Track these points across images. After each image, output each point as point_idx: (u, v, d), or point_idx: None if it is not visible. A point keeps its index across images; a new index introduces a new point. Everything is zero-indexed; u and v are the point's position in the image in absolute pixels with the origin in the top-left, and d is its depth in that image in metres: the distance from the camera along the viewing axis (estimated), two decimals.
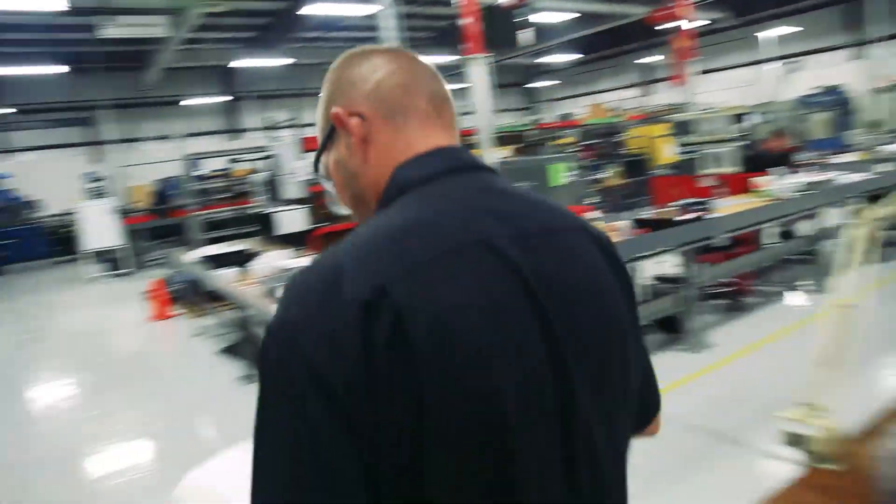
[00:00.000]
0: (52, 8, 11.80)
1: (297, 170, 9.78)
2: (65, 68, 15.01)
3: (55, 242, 17.15)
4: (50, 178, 21.45)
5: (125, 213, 14.54)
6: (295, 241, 6.92)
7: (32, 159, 22.15)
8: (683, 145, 12.06)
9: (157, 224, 14.58)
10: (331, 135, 0.93)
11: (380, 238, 0.76)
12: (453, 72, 11.77)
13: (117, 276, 12.98)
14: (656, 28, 15.03)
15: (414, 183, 0.84)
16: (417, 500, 0.69)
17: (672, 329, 5.22)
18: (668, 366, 4.69)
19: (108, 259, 13.24)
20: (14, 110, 19.97)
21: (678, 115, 13.91)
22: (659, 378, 1.04)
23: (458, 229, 0.77)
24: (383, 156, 0.88)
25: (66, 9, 11.62)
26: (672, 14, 13.75)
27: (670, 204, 5.44)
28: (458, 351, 0.69)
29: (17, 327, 9.35)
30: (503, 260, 0.76)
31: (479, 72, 8.29)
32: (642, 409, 0.96)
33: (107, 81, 18.35)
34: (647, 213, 5.70)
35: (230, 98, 23.66)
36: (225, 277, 4.97)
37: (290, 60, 17.11)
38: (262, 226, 7.17)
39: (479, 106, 8.30)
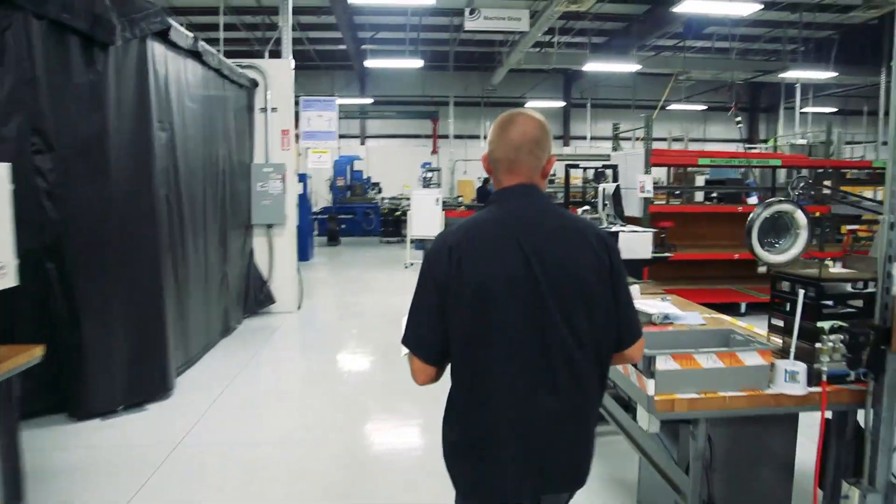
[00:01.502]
0: (421, 3, 12.29)
1: (644, 183, 8.47)
2: (419, 63, 15.70)
3: (386, 223, 18.34)
4: (392, 164, 23.53)
5: (448, 205, 14.70)
6: (632, 270, 5.59)
7: (380, 146, 24.51)
8: None
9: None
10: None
11: (469, 222, 1.77)
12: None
13: None
14: None
15: (492, 199, 1.81)
16: (456, 350, 1.73)
17: None
18: None
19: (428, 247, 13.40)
20: (372, 101, 22.05)
21: None
22: None
23: (496, 221, 1.74)
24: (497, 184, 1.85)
25: (433, 4, 12.00)
26: None
27: None
28: (475, 265, 1.67)
29: (340, 302, 9.63)
30: (513, 237, 1.69)
31: None
32: (619, 339, 1.79)
33: (455, 80, 19.15)
34: None
35: (564, 104, 23.21)
36: None
37: (637, 67, 15.70)
38: None
39: None
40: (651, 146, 8.52)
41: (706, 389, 2.36)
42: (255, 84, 7.89)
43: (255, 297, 7.96)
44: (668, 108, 23.81)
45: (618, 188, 5.76)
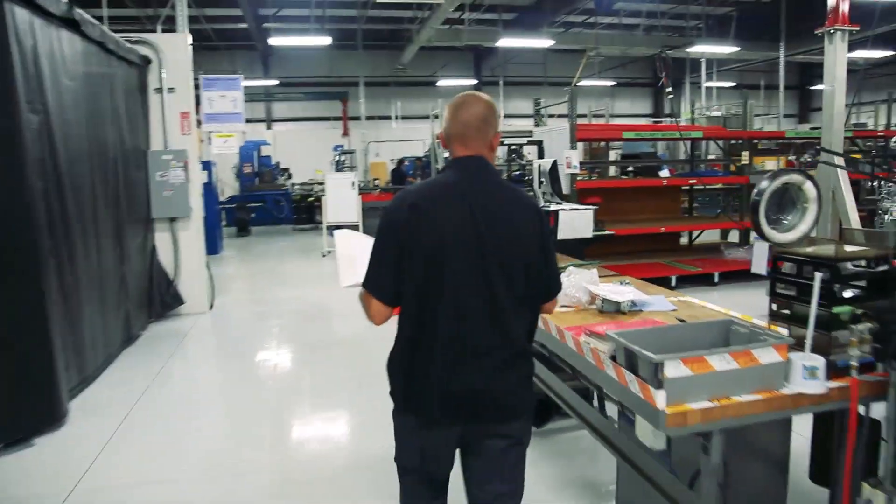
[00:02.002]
0: None
1: (570, 159, 8.22)
2: (327, 41, 14.89)
3: (299, 210, 17.47)
4: (301, 148, 22.52)
5: (363, 189, 14.09)
6: (573, 250, 5.28)
7: (288, 130, 23.43)
8: None
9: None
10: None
11: (425, 185, 2.06)
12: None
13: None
14: None
15: (447, 167, 2.06)
16: (409, 291, 1.95)
17: None
18: None
19: None
20: (277, 82, 20.94)
21: None
22: None
23: (451, 186, 1.96)
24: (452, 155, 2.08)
25: None
26: None
27: None
28: (432, 223, 1.89)
29: (254, 297, 8.93)
30: (465, 201, 1.91)
31: (840, 49, 5.96)
32: (545, 292, 2.09)
33: (364, 59, 18.41)
34: None
35: (476, 82, 22.89)
36: None
37: (549, 42, 15.53)
38: None
39: (830, 99, 6.00)
40: (576, 121, 8.27)
41: (718, 395, 2.01)
42: (147, 61, 7.03)
43: (160, 298, 7.16)
44: (578, 84, 24.00)
45: (555, 164, 5.43)
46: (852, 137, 11.08)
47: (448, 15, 15.39)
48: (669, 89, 6.13)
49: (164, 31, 7.31)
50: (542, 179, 5.44)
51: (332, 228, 13.04)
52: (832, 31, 5.94)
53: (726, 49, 16.39)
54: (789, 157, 10.79)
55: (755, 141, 10.64)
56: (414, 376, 1.98)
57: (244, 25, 18.34)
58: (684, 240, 10.39)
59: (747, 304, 3.41)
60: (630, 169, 11.80)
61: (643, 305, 3.09)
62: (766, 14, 19.07)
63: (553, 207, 5.33)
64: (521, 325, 2.00)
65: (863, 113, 18.49)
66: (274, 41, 15.17)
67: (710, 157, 11.84)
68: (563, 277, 3.09)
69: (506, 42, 14.90)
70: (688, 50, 17.03)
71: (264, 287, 9.51)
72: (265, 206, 18.10)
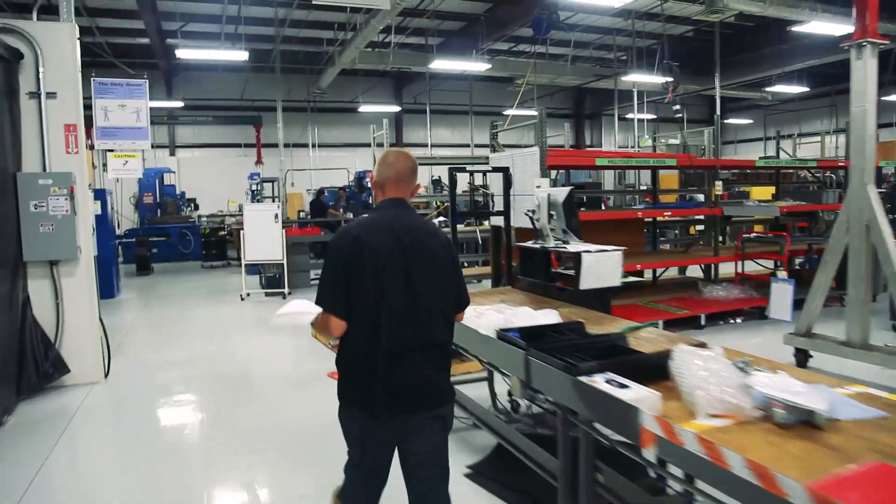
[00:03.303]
0: None
1: (541, 190, 7.17)
2: (243, 55, 13.35)
3: (208, 245, 15.61)
4: (209, 177, 20.58)
5: (284, 223, 12.58)
6: (596, 302, 4.17)
7: (194, 156, 21.43)
8: None
9: (320, 240, 12.42)
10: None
11: (363, 221, 2.51)
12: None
13: (271, 294, 10.85)
14: None
15: (379, 207, 2.56)
16: (352, 302, 2.36)
17: None
18: None
19: (268, 275, 11.16)
20: (181, 104, 19.05)
21: None
22: None
23: (384, 222, 2.44)
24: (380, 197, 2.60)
25: None
26: None
27: None
28: (373, 251, 2.35)
29: (169, 355, 7.24)
30: (395, 234, 2.41)
31: (870, 65, 5.21)
32: (457, 304, 2.57)
33: (278, 83, 16.92)
34: None
35: (399, 108, 21.81)
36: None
37: (486, 66, 14.68)
38: (544, 273, 4.47)
39: (860, 122, 5.23)
40: (546, 145, 7.26)
41: None
42: (17, 56, 5.41)
43: (36, 368, 5.45)
44: (504, 113, 23.45)
45: (571, 195, 4.29)
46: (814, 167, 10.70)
47: (371, 38, 14.30)
48: (677, 107, 5.25)
49: (42, 19, 5.70)
50: (553, 213, 4.30)
51: (251, 266, 11.55)
52: (862, 45, 5.18)
53: (658, 79, 16.12)
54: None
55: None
56: (361, 376, 2.42)
57: (145, 40, 16.51)
58: (647, 276, 9.57)
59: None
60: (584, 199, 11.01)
61: (835, 412, 1.96)
62: (687, 48, 19.29)
63: (572, 248, 4.18)
64: (440, 328, 2.48)
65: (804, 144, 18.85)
66: (183, 53, 13.43)
67: (662, 188, 11.20)
68: (689, 370, 2.06)
69: (439, 65, 13.93)
70: (624, 78, 16.66)
71: (174, 340, 7.79)
72: (169, 240, 16.15)
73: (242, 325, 8.84)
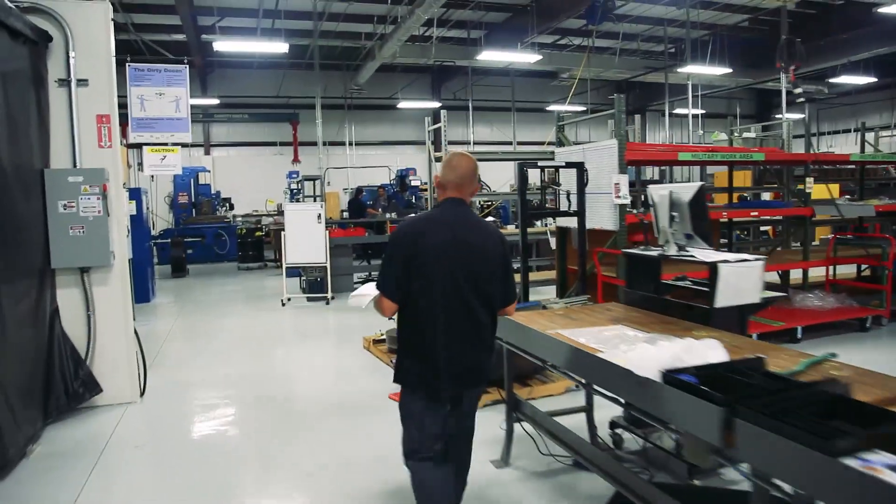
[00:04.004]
0: None
1: (619, 185, 6.42)
2: (283, 47, 12.75)
3: (244, 246, 15.08)
4: (244, 176, 20.11)
5: (329, 223, 11.95)
6: (732, 321, 3.41)
7: (229, 155, 20.98)
8: None
9: (364, 241, 11.76)
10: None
11: (423, 216, 3.03)
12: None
13: (313, 299, 10.23)
14: None
15: (440, 205, 2.90)
16: (410, 293, 2.75)
17: None
18: None
19: (309, 278, 10.55)
20: (217, 102, 18.59)
21: None
22: None
23: (442, 219, 2.81)
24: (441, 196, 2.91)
25: None
26: None
27: None
28: (428, 244, 2.72)
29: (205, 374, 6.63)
30: (451, 229, 2.76)
31: None
32: (502, 299, 2.85)
33: (316, 79, 16.34)
34: None
35: (439, 105, 21.08)
36: None
37: (537, 58, 13.87)
38: (654, 284, 3.70)
39: None
40: (625, 138, 6.48)
41: None
42: (46, 38, 4.82)
43: (65, 388, 4.86)
44: (547, 109, 22.63)
45: (701, 193, 3.51)
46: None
47: (414, 29, 13.63)
48: (799, 90, 4.42)
49: None
50: (675, 214, 3.54)
51: (292, 269, 10.96)
52: None
53: (718, 71, 15.17)
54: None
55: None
56: (416, 358, 2.81)
57: (180, 36, 16.05)
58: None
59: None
60: None
61: None
62: (742, 41, 18.25)
63: (701, 256, 3.41)
64: (483, 318, 2.80)
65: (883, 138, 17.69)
66: (221, 46, 12.87)
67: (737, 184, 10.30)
68: None
69: (487, 56, 13.17)
70: (680, 70, 15.74)
71: (214, 353, 7.17)
72: (204, 241, 15.69)
73: (286, 335, 8.22)
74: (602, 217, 6.74)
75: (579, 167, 6.40)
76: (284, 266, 10.20)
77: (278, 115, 19.73)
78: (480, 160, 10.02)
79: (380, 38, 15.68)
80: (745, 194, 11.58)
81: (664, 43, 18.23)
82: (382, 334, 6.80)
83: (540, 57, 13.86)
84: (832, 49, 16.79)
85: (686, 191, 3.50)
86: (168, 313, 9.74)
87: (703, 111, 22.75)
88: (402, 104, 19.92)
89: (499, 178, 18.33)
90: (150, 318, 9.03)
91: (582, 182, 6.43)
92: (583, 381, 3.32)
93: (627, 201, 6.51)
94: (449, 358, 2.71)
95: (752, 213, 7.16)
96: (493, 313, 2.83)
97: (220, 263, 15.67)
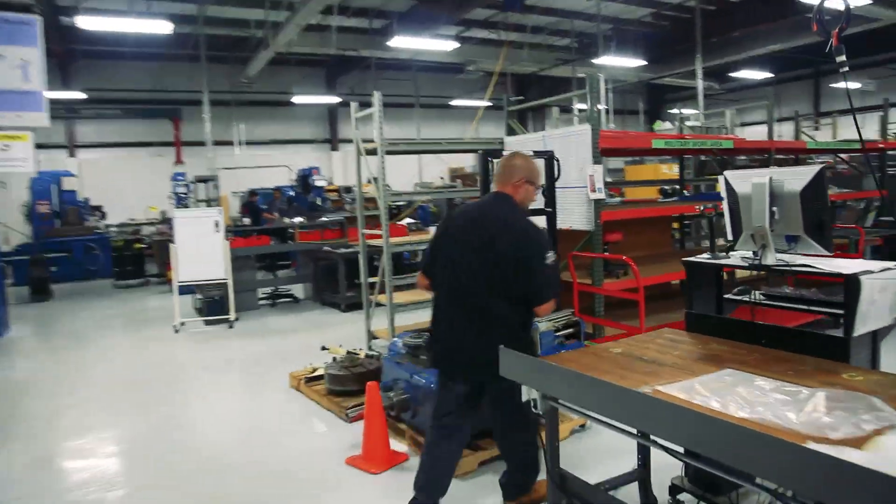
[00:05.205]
0: None
1: (594, 178, 5.47)
2: (167, 27, 10.89)
3: (121, 261, 12.99)
4: (117, 180, 17.71)
5: (233, 232, 10.31)
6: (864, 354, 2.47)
7: (99, 157, 18.41)
8: None
9: (270, 251, 10.23)
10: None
11: (465, 206, 3.38)
12: None
13: (213, 322, 8.64)
14: None
15: (483, 195, 3.83)
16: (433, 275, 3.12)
17: None
18: None
19: (206, 297, 8.92)
20: (83, 96, 16.18)
21: None
22: None
23: (471, 208, 3.14)
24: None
25: None
26: None
27: None
28: (450, 231, 3.07)
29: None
30: (472, 219, 3.00)
31: None
32: (529, 297, 2.87)
33: (203, 71, 14.45)
34: None
35: (340, 100, 19.57)
36: None
37: (454, 45, 12.83)
38: (715, 302, 2.70)
39: None
40: (599, 125, 5.53)
41: None
42: None
43: None
44: (450, 105, 21.68)
45: (820, 177, 2.50)
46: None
47: (311, 16, 12.19)
48: (842, 57, 3.66)
49: None
50: (774, 209, 2.53)
51: (186, 287, 9.26)
52: None
53: (632, 63, 14.81)
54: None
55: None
56: (435, 339, 3.07)
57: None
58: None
59: None
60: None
61: None
62: (642, 34, 18.17)
63: (832, 265, 2.42)
64: (496, 309, 2.85)
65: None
66: (86, 23, 10.72)
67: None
68: None
69: (399, 43, 11.94)
70: (594, 61, 15.24)
71: (94, 409, 5.49)
72: (72, 256, 13.46)
73: (187, 374, 6.62)
74: (572, 215, 5.75)
75: (549, 157, 5.39)
76: (176, 284, 8.52)
77: (157, 111, 17.53)
78: (412, 153, 8.68)
79: (273, 25, 14.06)
80: (668, 187, 11.08)
81: (571, 36, 17.82)
82: (315, 369, 5.46)
83: (457, 45, 12.84)
84: (733, 45, 16.98)
85: (796, 177, 2.50)
86: (26, 352, 7.81)
87: (605, 107, 22.71)
88: (298, 99, 18.26)
89: (398, 178, 17.19)
90: (1, 362, 7.14)
91: (552, 175, 5.42)
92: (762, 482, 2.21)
93: (603, 196, 5.56)
94: (449, 343, 2.98)
95: (698, 207, 6.44)
96: (511, 305, 2.86)
97: (92, 282, 13.46)
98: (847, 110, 17.94)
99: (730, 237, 2.87)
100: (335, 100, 19.10)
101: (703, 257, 3.03)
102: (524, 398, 2.41)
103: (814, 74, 21.84)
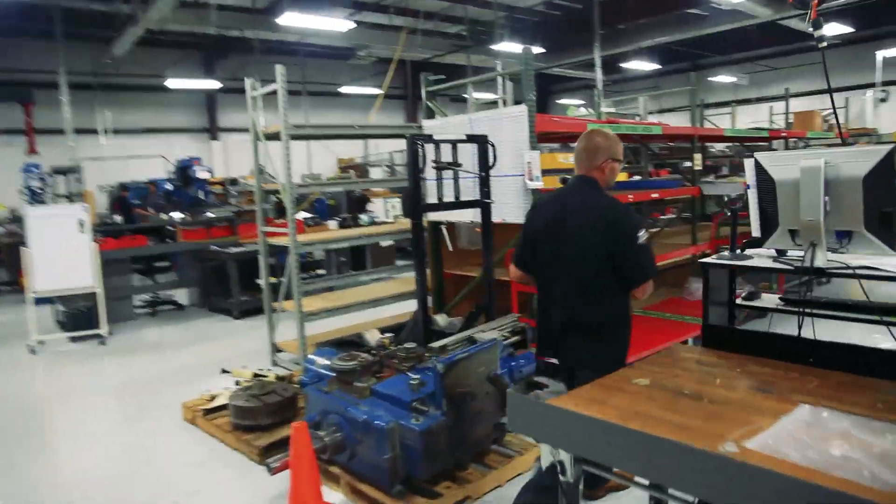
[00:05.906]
0: None
1: (531, 165, 4.94)
2: None
3: None
4: None
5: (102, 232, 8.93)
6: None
7: None
8: None
9: (148, 252, 8.98)
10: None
11: (550, 193, 3.30)
12: None
13: (80, 339, 7.39)
14: None
15: (567, 180, 3.31)
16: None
17: None
18: None
19: (71, 309, 7.62)
20: None
21: None
22: None
23: (558, 194, 3.09)
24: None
25: None
26: None
27: None
28: (537, 219, 3.10)
29: None
30: (560, 205, 2.97)
31: None
32: (626, 280, 2.83)
33: (60, 49, 12.61)
34: None
35: (221, 85, 18.04)
36: None
37: (351, 25, 11.94)
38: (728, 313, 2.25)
39: None
40: (535, 108, 4.99)
41: None
42: None
43: None
44: (339, 92, 20.60)
45: (890, 159, 2.01)
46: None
47: None
48: (822, 31, 3.28)
49: None
50: (827, 198, 2.03)
51: (45, 298, 7.88)
52: None
53: (536, 50, 14.51)
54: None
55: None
56: (538, 323, 3.11)
57: None
58: None
59: None
60: None
61: None
62: (533, 24, 18.07)
63: (888, 266, 1.95)
64: (587, 297, 2.86)
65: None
66: None
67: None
68: None
69: (289, 21, 10.89)
70: (493, 46, 14.85)
71: None
72: None
73: (52, 408, 5.44)
74: (505, 207, 5.18)
75: (482, 141, 4.79)
76: (30, 296, 7.18)
77: (3, 93, 15.31)
78: (322, 138, 7.77)
79: (138, 2, 12.52)
80: (568, 177, 10.94)
81: (464, 23, 17.36)
82: (214, 397, 4.54)
83: (353, 24, 11.94)
84: (624, 36, 17.18)
85: (859, 162, 2.01)
86: None
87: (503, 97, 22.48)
88: (173, 83, 16.61)
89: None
90: None
91: (486, 162, 4.83)
92: None
93: (541, 184, 5.02)
94: (543, 329, 3.06)
95: (653, 195, 6.13)
96: (612, 293, 2.86)
97: None
98: (725, 102, 18.74)
99: (756, 233, 2.36)
100: (215, 85, 17.59)
101: (725, 258, 2.51)
102: (544, 461, 1.77)
103: (693, 67, 22.69)
